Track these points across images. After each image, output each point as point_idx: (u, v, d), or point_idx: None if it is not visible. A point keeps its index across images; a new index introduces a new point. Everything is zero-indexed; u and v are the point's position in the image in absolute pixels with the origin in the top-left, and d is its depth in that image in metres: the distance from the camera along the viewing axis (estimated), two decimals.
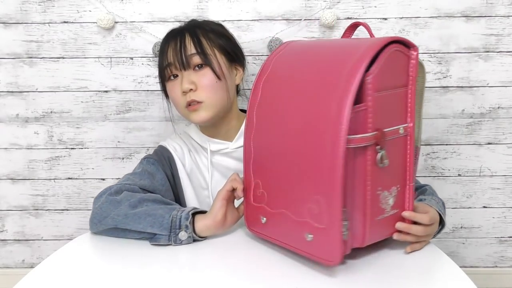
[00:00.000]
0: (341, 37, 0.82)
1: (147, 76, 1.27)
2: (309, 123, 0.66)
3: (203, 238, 0.80)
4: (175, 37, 0.93)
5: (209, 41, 0.93)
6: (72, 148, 1.31)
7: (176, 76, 0.93)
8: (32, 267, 1.34)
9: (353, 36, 0.81)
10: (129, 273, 0.69)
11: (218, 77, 0.92)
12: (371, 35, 0.75)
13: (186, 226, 0.77)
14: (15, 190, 1.33)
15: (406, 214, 0.71)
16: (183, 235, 0.77)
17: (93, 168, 1.32)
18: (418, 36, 1.23)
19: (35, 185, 1.33)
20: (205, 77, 0.91)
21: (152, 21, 1.24)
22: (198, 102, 0.90)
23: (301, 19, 1.22)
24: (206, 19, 1.03)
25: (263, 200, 0.74)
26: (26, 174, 1.33)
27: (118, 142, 1.31)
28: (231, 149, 0.96)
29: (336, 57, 0.68)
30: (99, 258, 0.77)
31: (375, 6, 1.22)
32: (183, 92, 0.91)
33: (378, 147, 0.64)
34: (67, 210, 1.34)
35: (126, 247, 0.78)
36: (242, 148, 0.88)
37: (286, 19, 1.23)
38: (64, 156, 1.31)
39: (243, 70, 1.00)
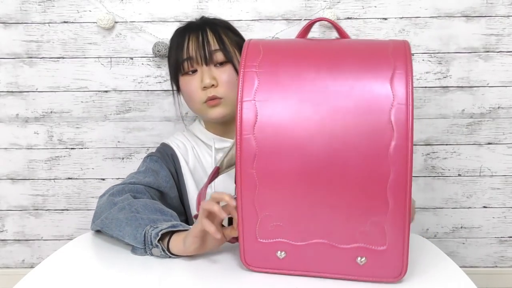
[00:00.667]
0: (298, 35, 0.78)
1: (147, 76, 1.27)
2: (359, 142, 0.58)
3: (178, 256, 0.73)
4: (196, 32, 0.93)
5: (228, 39, 0.95)
6: (72, 148, 1.31)
7: (194, 71, 0.93)
8: (32, 267, 1.33)
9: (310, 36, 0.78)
10: (129, 273, 0.69)
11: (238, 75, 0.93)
12: (344, 34, 0.73)
13: (156, 245, 0.72)
14: (15, 190, 1.33)
15: None
16: (156, 251, 0.72)
17: (93, 168, 1.32)
18: (418, 36, 1.23)
19: (35, 185, 1.33)
20: (226, 73, 0.92)
21: (152, 21, 1.24)
22: (219, 98, 0.91)
23: (301, 19, 1.23)
24: (216, 17, 1.03)
25: (280, 234, 0.63)
26: (26, 174, 1.33)
27: (118, 142, 1.31)
28: None
29: (363, 60, 0.62)
30: (99, 258, 0.77)
31: (375, 6, 1.22)
32: (204, 87, 0.91)
33: None
34: (67, 210, 1.34)
35: (127, 247, 0.78)
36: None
37: (286, 19, 1.23)
38: (64, 156, 1.31)
39: None
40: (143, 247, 0.73)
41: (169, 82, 1.26)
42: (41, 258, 1.37)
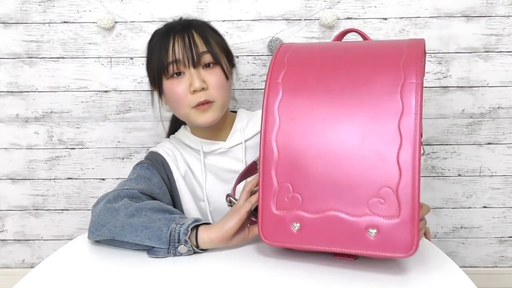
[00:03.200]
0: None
1: (147, 76, 1.27)
2: (373, 114, 0.63)
3: (204, 250, 0.76)
4: (181, 33, 0.88)
5: (214, 41, 0.92)
6: (72, 148, 1.31)
7: (179, 73, 0.89)
8: (32, 267, 1.34)
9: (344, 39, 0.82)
10: (129, 273, 0.69)
11: (227, 77, 0.91)
12: (365, 36, 0.77)
13: (185, 241, 0.72)
14: (15, 190, 1.33)
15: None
16: (182, 248, 0.73)
17: (93, 168, 1.32)
18: (418, 36, 1.23)
19: (35, 185, 1.33)
20: (215, 76, 0.89)
21: (152, 21, 1.24)
22: (209, 102, 0.88)
23: (301, 19, 1.23)
24: (196, 18, 0.98)
25: (296, 205, 0.66)
26: (26, 174, 1.33)
27: (118, 142, 1.31)
28: (225, 149, 0.95)
29: (379, 53, 0.68)
30: (99, 258, 0.77)
31: (375, 6, 1.22)
32: (194, 91, 0.87)
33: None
34: (67, 210, 1.34)
35: (126, 248, 0.78)
36: (237, 147, 0.90)
37: (286, 19, 1.23)
38: (64, 156, 1.31)
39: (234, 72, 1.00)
40: (167, 247, 0.73)
41: None
42: (41, 258, 1.37)
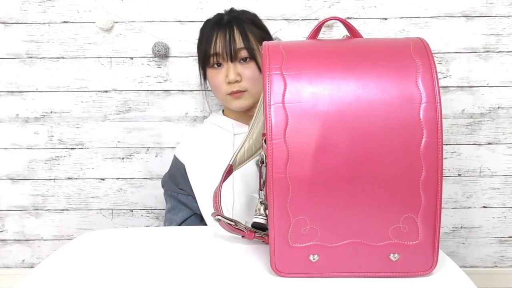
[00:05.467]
0: (310, 36, 0.78)
1: (147, 76, 1.27)
2: (391, 141, 0.59)
3: None
4: (224, 29, 0.99)
5: (253, 35, 1.01)
6: (72, 148, 1.31)
7: (220, 65, 1.01)
8: (32, 267, 1.34)
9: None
10: (129, 273, 0.69)
11: (261, 71, 0.99)
12: (356, 33, 0.73)
13: None
14: (15, 190, 1.33)
15: None
16: None
17: (93, 168, 1.32)
18: (418, 36, 1.23)
19: (35, 185, 1.33)
20: (250, 69, 0.99)
21: (152, 21, 1.24)
22: (242, 91, 0.99)
23: (301, 19, 1.22)
24: (244, 9, 1.09)
25: (314, 237, 0.62)
26: (26, 174, 1.33)
27: (118, 142, 1.31)
28: None
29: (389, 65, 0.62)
30: (99, 258, 0.77)
31: (375, 6, 1.22)
32: (229, 82, 0.99)
33: None
34: (67, 210, 1.34)
35: (126, 248, 0.78)
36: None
37: (286, 19, 1.23)
38: (64, 156, 1.31)
39: None
40: None
41: (169, 82, 1.27)
42: (41, 258, 1.37)
